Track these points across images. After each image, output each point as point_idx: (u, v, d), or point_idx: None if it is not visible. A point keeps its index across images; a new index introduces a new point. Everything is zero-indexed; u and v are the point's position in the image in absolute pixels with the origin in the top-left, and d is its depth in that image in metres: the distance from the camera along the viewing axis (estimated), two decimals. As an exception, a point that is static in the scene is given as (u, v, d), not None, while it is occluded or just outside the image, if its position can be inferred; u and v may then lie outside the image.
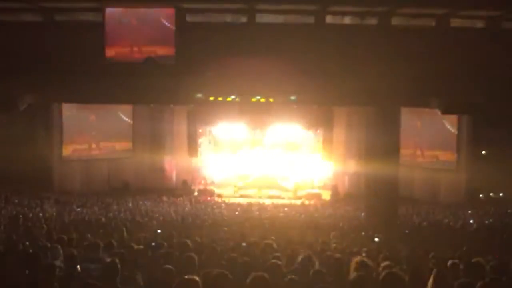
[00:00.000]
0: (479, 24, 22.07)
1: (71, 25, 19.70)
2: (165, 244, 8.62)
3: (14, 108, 18.88)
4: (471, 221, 16.54)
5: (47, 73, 18.81)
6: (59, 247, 7.52)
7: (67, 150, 24.16)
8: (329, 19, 21.80)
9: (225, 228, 14.13)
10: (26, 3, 18.79)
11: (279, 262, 6.00)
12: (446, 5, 20.19)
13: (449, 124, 23.64)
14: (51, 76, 18.92)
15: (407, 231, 14.77)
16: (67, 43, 18.65)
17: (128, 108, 25.83)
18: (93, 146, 25.04)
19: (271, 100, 20.17)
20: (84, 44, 18.62)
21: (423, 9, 20.91)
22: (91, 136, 25.02)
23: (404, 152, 23.90)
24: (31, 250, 7.53)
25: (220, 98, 20.18)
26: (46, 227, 12.90)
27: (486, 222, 16.64)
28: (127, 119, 25.66)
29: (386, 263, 6.48)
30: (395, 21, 21.69)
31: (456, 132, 23.34)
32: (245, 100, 21.28)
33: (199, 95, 20.90)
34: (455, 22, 21.80)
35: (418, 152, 24.65)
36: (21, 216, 14.81)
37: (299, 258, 6.49)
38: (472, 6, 19.89)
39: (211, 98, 20.00)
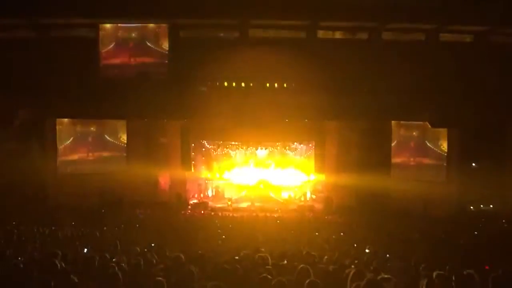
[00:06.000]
0: (468, 39, 22.47)
1: (66, 41, 19.88)
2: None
3: (9, 123, 18.99)
4: (462, 233, 16.68)
5: (41, 89, 18.96)
6: (54, 261, 7.57)
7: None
8: (320, 34, 22.16)
9: (219, 242, 14.20)
10: (21, 19, 18.99)
11: (269, 277, 6.10)
12: (435, 20, 20.59)
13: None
14: (45, 92, 19.07)
15: (398, 243, 14.87)
16: (61, 59, 18.82)
17: (122, 121, 25.95)
18: (90, 154, 25.52)
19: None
20: (78, 60, 18.81)
21: (413, 24, 21.29)
22: (88, 150, 25.40)
23: (397, 160, 24.15)
24: (23, 265, 7.54)
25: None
26: (40, 241, 12.95)
27: (476, 233, 16.79)
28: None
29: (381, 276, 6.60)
30: (385, 35, 22.06)
31: (443, 152, 23.58)
32: (239, 113, 21.51)
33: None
34: (445, 37, 22.19)
35: (411, 159, 24.84)
36: (15, 230, 14.80)
37: (296, 271, 6.59)
38: (461, 21, 20.30)
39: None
